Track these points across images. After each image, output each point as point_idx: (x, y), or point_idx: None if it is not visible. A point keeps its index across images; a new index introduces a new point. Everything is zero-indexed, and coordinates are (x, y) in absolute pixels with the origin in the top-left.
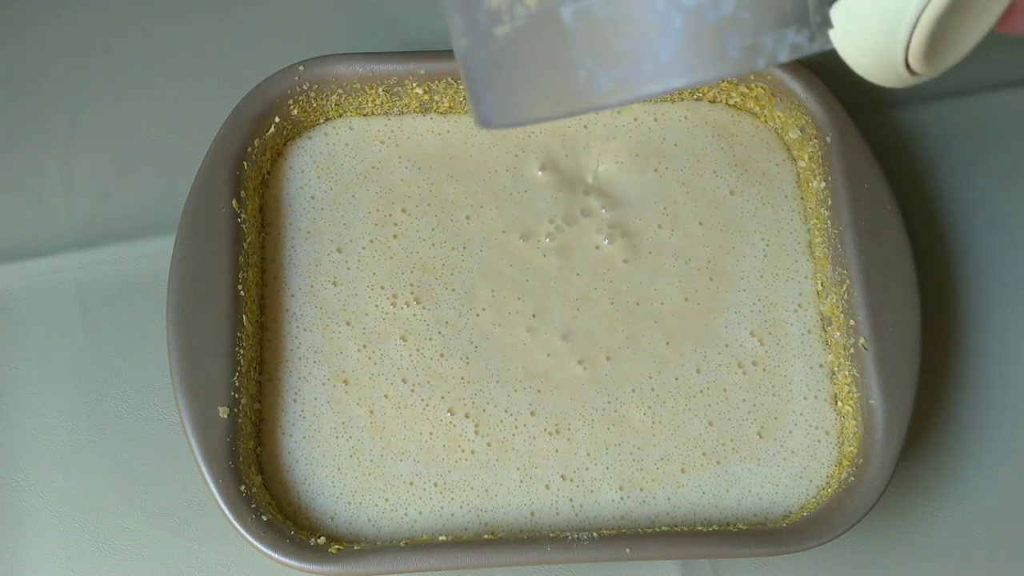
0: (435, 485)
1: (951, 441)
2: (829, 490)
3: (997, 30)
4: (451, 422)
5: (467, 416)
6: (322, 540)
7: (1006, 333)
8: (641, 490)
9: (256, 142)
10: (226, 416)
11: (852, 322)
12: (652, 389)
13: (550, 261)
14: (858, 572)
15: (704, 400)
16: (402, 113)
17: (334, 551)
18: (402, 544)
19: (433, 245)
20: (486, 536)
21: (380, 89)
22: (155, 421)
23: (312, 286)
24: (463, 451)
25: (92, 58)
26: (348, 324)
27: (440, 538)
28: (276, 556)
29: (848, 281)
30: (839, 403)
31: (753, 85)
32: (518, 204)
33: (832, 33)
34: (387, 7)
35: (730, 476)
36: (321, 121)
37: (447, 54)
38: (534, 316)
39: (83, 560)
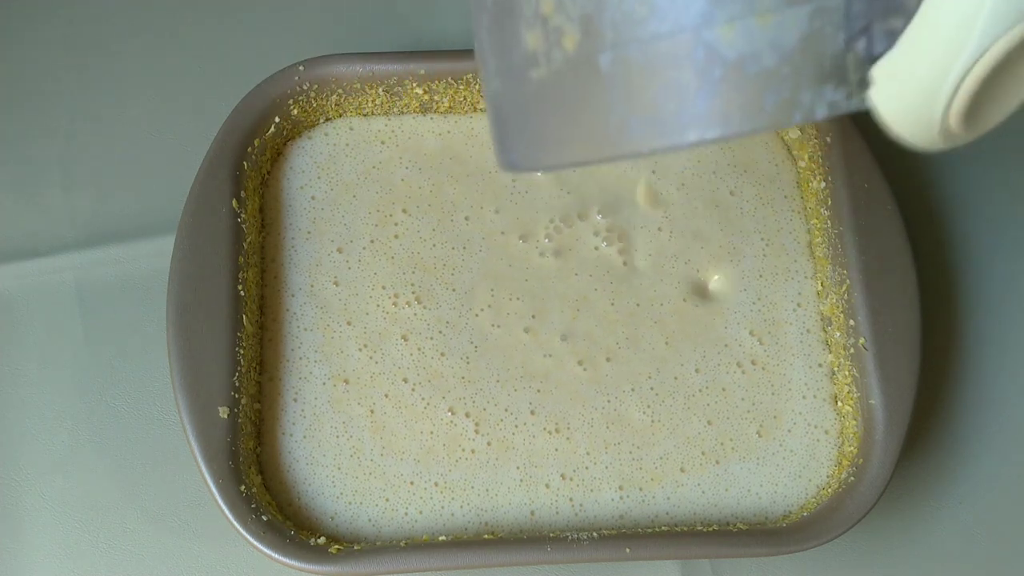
0: (435, 484)
1: (951, 441)
2: (829, 490)
3: None
4: (451, 421)
5: (467, 415)
6: (322, 540)
7: (1006, 333)
8: (640, 489)
9: (256, 142)
10: (226, 416)
11: (852, 322)
12: (651, 388)
13: (549, 262)
14: (858, 572)
15: (703, 399)
16: (402, 113)
17: (334, 551)
18: (402, 544)
19: (434, 245)
20: (486, 536)
21: (380, 89)
22: (155, 421)
23: (313, 286)
24: (463, 450)
25: (92, 58)
26: (349, 324)
27: (440, 538)
28: (276, 556)
29: (848, 281)
30: (839, 403)
31: None
32: (518, 205)
33: (871, 92)
34: (387, 7)
35: (729, 475)
36: (321, 121)
37: (447, 54)
38: (533, 317)
39: (83, 560)
